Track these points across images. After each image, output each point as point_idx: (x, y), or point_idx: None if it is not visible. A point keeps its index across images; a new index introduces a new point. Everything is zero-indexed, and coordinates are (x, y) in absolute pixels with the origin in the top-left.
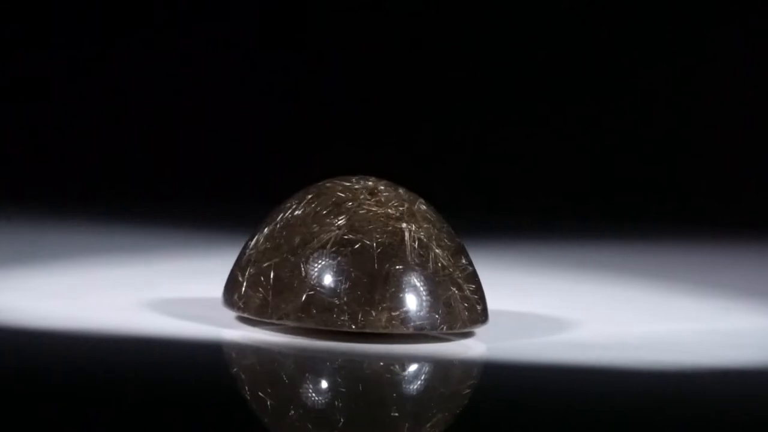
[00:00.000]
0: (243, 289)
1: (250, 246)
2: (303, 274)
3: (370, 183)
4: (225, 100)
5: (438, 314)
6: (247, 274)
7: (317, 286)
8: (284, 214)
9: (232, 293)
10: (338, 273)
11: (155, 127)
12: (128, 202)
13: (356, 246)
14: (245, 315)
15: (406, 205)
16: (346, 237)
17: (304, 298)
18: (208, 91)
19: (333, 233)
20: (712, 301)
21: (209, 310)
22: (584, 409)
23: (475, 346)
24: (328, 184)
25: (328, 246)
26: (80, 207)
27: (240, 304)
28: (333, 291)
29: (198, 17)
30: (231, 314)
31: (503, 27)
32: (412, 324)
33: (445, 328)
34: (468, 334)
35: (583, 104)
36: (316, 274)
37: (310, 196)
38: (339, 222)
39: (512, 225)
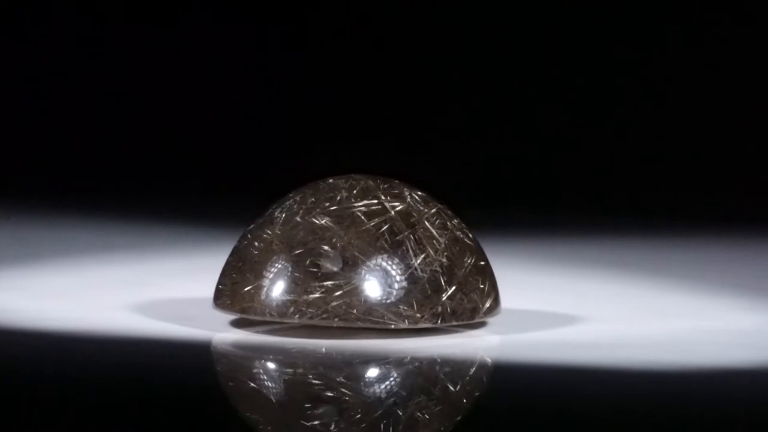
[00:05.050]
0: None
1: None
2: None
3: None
4: (224, 99)
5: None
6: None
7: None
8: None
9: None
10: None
11: (154, 127)
12: (126, 202)
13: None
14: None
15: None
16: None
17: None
18: (208, 90)
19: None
20: (718, 299)
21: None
22: (580, 409)
23: (482, 340)
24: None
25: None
26: (79, 206)
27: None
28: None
29: (197, 15)
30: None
31: (507, 24)
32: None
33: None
34: (477, 326)
35: (586, 101)
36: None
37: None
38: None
39: (514, 221)
